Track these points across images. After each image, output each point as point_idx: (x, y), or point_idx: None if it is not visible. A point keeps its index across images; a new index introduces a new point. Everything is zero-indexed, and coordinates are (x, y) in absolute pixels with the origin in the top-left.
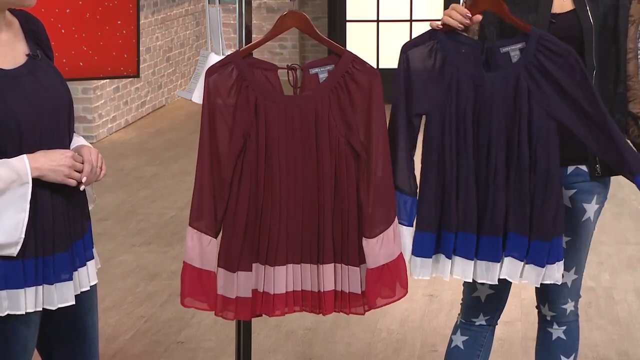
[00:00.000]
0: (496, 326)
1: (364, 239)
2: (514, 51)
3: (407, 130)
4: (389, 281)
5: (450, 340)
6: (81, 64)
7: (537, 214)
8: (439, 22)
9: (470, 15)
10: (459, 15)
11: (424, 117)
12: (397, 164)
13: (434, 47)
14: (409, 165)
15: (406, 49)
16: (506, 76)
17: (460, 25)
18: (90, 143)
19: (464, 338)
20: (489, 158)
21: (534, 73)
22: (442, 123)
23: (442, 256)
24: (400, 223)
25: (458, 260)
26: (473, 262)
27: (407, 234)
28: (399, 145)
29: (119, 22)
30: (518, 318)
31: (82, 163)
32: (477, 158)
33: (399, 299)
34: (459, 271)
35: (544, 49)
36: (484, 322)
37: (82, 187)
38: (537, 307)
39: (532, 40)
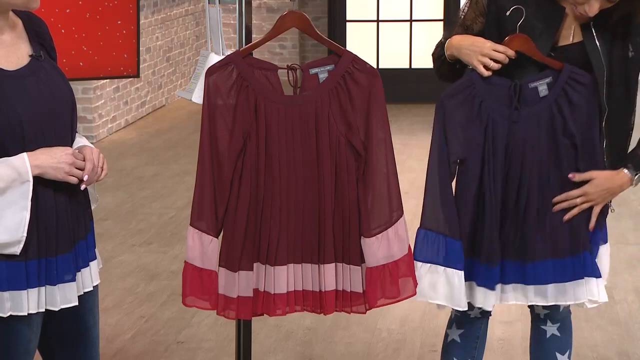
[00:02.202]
0: (491, 321)
1: (362, 237)
2: (541, 86)
3: (448, 176)
4: (391, 282)
5: (446, 335)
6: (81, 64)
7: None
8: (483, 67)
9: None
10: (502, 55)
11: None
12: (444, 211)
13: (471, 93)
14: (454, 209)
15: (444, 99)
16: (538, 112)
17: (505, 61)
18: (90, 143)
19: (460, 331)
20: (519, 192)
21: (562, 105)
22: (480, 164)
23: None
24: (454, 268)
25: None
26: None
27: (458, 279)
28: (446, 191)
29: (119, 22)
30: (518, 318)
31: (84, 161)
32: (507, 193)
33: (404, 299)
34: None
35: (572, 82)
36: (478, 314)
37: (83, 186)
38: (529, 305)
39: (563, 75)
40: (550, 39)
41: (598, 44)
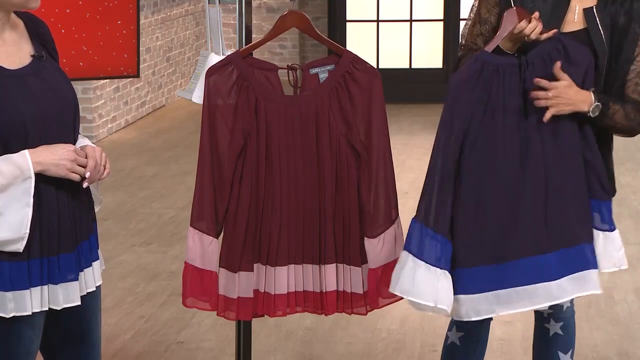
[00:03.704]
0: (491, 322)
1: (365, 238)
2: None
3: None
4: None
5: (447, 337)
6: (81, 64)
7: None
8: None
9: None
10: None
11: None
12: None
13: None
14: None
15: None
16: None
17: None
18: (92, 143)
19: (460, 334)
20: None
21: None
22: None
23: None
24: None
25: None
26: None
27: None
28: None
29: (119, 22)
30: (518, 318)
31: (86, 158)
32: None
33: (401, 298)
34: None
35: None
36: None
37: (85, 184)
38: None
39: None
40: (559, 22)
41: (601, 28)
